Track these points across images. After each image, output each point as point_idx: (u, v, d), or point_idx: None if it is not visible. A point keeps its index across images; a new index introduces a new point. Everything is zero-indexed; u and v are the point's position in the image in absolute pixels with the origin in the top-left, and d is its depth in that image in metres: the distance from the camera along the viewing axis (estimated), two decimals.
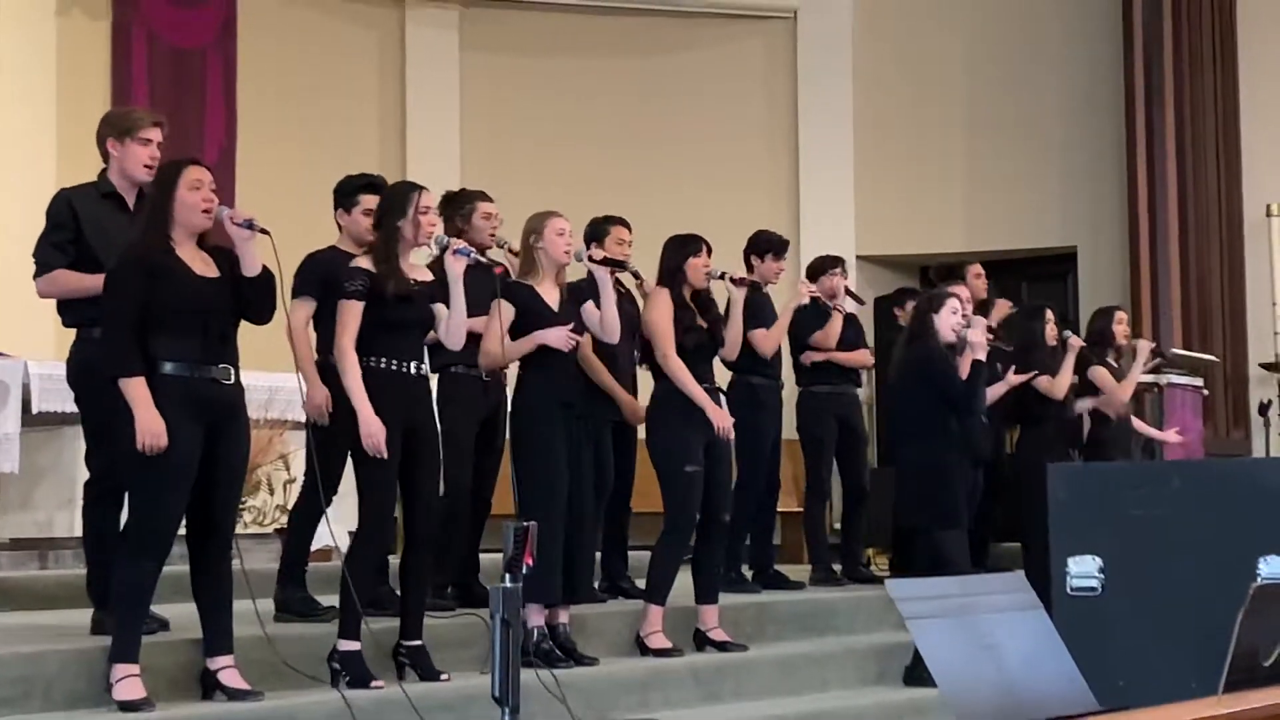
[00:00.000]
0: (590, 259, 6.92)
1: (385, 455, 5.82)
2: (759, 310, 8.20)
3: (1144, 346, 9.30)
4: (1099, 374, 9.04)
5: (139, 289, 5.40)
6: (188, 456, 5.41)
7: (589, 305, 6.86)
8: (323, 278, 6.31)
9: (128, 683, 5.29)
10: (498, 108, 13.06)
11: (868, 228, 12.89)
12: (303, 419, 6.91)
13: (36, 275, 6.00)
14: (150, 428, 5.29)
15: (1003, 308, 9.56)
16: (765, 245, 8.53)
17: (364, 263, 6.05)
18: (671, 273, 7.16)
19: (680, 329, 7.07)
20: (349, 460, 6.18)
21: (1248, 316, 11.92)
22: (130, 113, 6.30)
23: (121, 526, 5.92)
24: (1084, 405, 8.97)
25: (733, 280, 7.57)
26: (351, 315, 5.95)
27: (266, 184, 11.48)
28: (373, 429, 5.83)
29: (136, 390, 5.32)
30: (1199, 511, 5.39)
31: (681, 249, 7.19)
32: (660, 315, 7.06)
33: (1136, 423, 9.45)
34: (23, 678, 5.32)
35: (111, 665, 5.33)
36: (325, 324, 6.28)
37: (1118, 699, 3.48)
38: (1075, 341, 8.82)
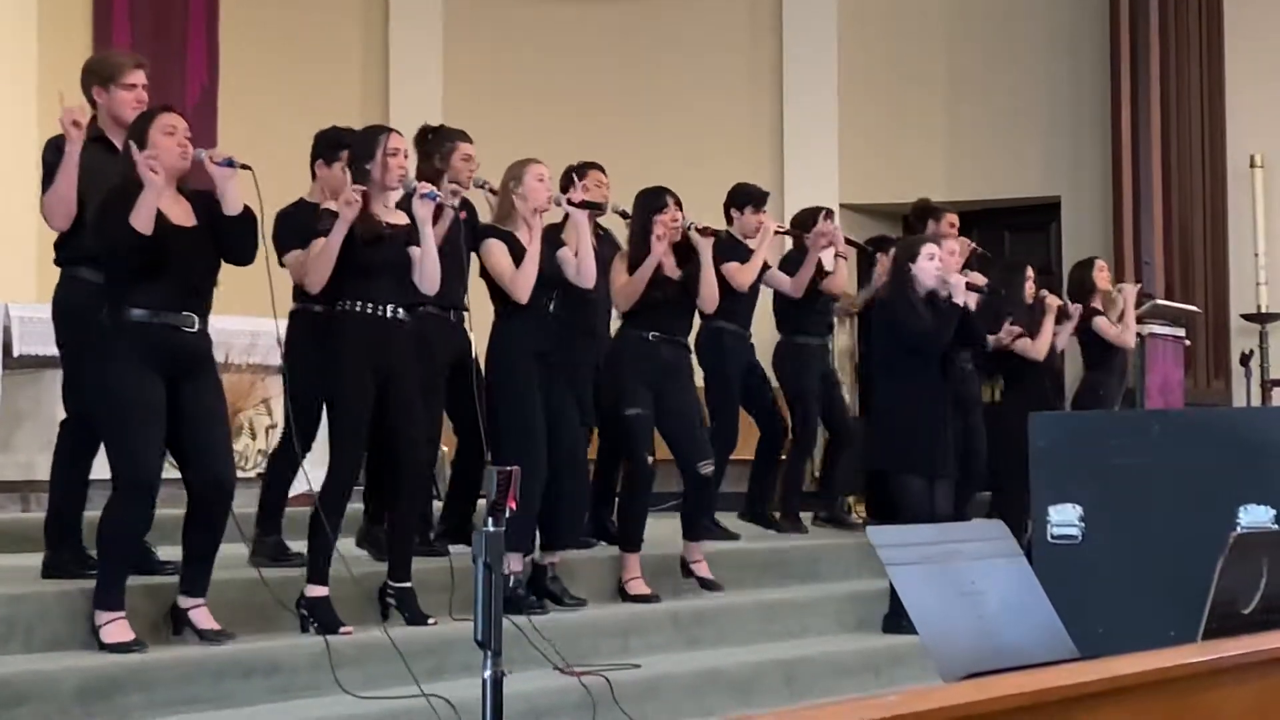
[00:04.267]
0: (569, 202, 6.91)
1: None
2: (733, 252, 8.19)
3: (1130, 289, 9.37)
4: (1100, 324, 9.13)
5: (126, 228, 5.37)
6: (150, 397, 5.38)
7: (564, 251, 6.84)
8: (299, 231, 6.27)
9: (116, 626, 5.30)
10: (481, 54, 12.98)
11: (851, 176, 12.85)
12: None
13: (50, 224, 5.94)
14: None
15: (964, 245, 9.48)
16: (745, 197, 8.51)
17: (334, 206, 6.03)
18: (640, 234, 7.16)
19: (650, 285, 7.09)
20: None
21: (1230, 267, 11.93)
22: (111, 58, 6.26)
23: (90, 474, 5.94)
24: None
25: (698, 230, 7.43)
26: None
27: (248, 125, 11.42)
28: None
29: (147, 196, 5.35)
30: (1179, 461, 5.39)
31: (646, 206, 7.19)
32: (616, 274, 7.16)
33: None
34: (4, 619, 5.33)
35: (95, 611, 5.32)
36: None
37: (1097, 646, 3.49)
38: (1053, 301, 8.85)
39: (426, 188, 6.25)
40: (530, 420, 6.55)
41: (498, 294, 6.71)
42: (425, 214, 6.16)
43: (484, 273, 6.79)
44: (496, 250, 6.64)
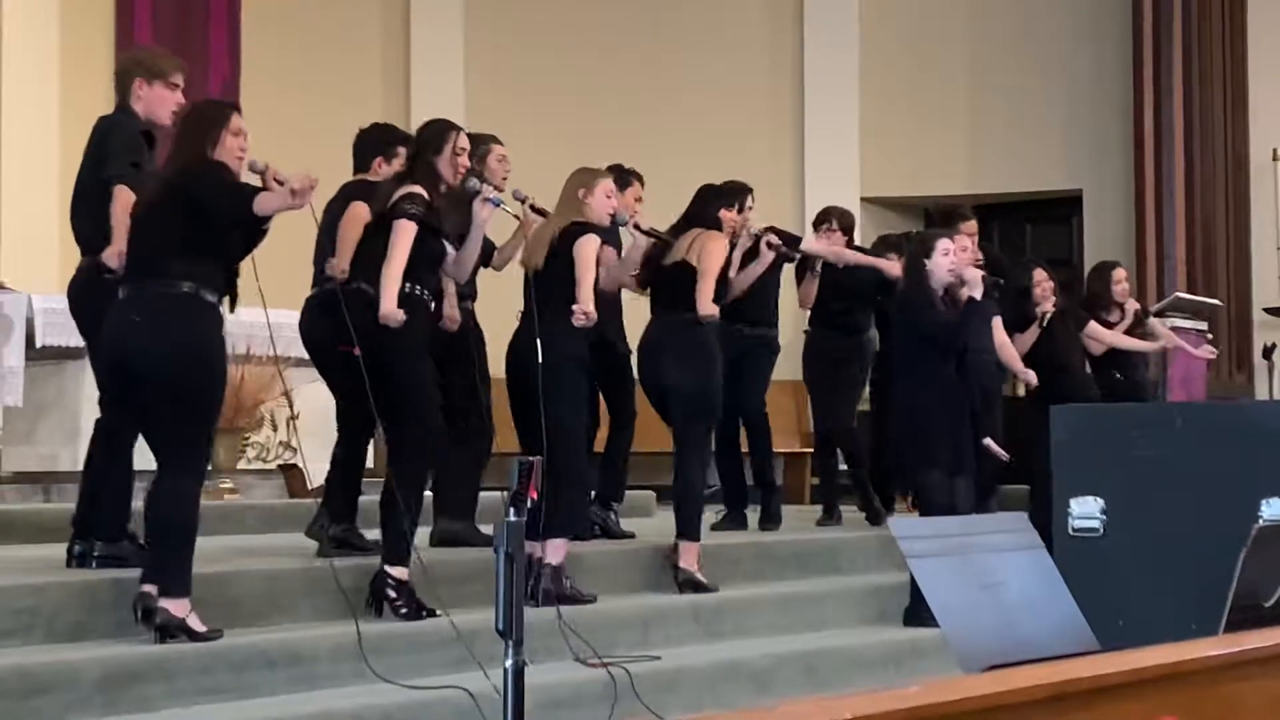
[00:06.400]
0: (637, 227, 7.23)
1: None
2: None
3: (1130, 307, 9.31)
4: (1092, 329, 9.10)
5: None
6: None
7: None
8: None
9: (196, 615, 5.33)
10: (502, 46, 13.00)
11: (872, 170, 12.85)
12: (304, 355, 6.91)
13: (116, 183, 5.85)
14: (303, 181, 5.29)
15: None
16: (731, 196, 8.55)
17: (417, 190, 6.06)
18: (710, 216, 7.30)
19: (651, 270, 7.22)
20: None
21: (1252, 260, 11.91)
22: (161, 57, 6.33)
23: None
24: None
25: (768, 244, 8.04)
26: (407, 236, 5.94)
27: (269, 118, 11.42)
28: (389, 310, 5.86)
29: (267, 199, 5.37)
30: (1202, 453, 5.38)
31: (716, 197, 7.40)
32: (713, 261, 7.14)
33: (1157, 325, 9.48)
34: (26, 609, 5.34)
35: (178, 599, 5.29)
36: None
37: (1118, 638, 3.49)
38: (1046, 308, 8.78)
39: (491, 193, 6.45)
40: (581, 421, 6.72)
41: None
42: (485, 216, 6.40)
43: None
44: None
